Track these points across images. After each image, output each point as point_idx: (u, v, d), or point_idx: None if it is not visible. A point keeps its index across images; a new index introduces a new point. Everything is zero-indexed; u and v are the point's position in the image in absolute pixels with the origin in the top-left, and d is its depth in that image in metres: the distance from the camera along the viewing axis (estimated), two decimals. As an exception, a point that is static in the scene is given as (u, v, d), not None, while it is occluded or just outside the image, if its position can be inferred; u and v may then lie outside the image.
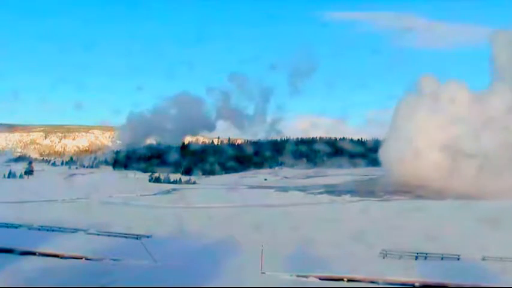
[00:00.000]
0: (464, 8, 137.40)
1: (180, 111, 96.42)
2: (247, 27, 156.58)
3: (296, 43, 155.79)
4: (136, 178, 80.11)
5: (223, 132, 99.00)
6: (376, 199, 59.21)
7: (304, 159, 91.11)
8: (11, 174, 77.50)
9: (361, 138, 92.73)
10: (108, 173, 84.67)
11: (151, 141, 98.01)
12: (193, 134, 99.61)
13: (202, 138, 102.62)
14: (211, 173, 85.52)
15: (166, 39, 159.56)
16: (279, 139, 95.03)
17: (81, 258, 18.92)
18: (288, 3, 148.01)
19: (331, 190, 66.38)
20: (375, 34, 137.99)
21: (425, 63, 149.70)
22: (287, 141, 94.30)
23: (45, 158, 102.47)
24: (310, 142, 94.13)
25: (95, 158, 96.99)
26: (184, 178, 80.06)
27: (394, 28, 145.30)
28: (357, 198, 60.02)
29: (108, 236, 23.09)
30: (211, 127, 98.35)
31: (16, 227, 24.89)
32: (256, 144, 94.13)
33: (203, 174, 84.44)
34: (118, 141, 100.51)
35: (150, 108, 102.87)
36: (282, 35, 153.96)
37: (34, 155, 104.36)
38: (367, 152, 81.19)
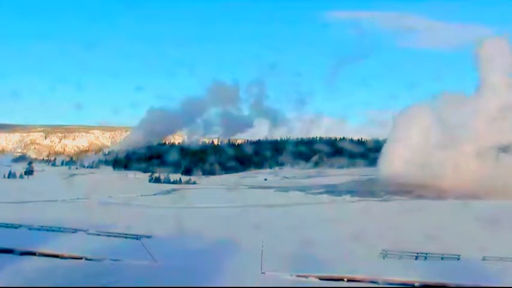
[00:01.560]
0: (465, 8, 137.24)
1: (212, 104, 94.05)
2: (247, 27, 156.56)
3: (296, 43, 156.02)
4: (137, 178, 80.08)
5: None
6: (376, 199, 59.17)
7: (304, 160, 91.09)
8: (11, 175, 77.47)
9: (361, 138, 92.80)
10: (108, 173, 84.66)
11: (179, 140, 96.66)
12: (230, 134, 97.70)
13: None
14: (211, 173, 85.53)
15: (166, 39, 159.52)
16: (279, 139, 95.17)
17: (81, 259, 18.84)
18: (288, 2, 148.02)
19: (331, 190, 66.40)
20: (376, 34, 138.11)
21: (425, 63, 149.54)
22: (287, 141, 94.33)
23: (45, 158, 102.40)
24: (310, 142, 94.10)
25: (96, 158, 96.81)
26: (184, 178, 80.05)
27: (395, 28, 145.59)
28: (357, 198, 60.01)
29: (108, 236, 22.98)
30: (248, 125, 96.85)
31: (16, 227, 24.79)
32: (256, 144, 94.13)
33: (203, 174, 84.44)
34: (134, 139, 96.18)
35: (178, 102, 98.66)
36: (281, 35, 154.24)
37: (34, 155, 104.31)
38: (367, 152, 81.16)
